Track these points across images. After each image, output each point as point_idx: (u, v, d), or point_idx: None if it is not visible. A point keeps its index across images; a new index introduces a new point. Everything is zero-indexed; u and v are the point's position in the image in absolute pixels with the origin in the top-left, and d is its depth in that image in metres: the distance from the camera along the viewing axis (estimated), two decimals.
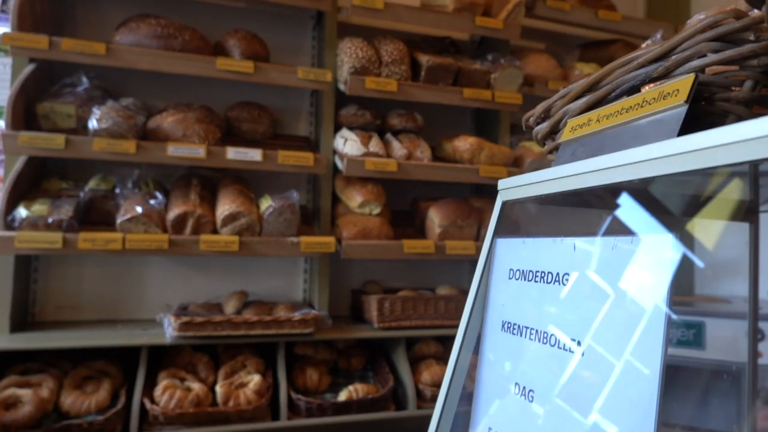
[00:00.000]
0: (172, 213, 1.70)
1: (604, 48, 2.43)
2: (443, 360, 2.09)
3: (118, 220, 1.64)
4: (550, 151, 0.67)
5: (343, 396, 1.83)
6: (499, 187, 0.66)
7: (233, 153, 1.73)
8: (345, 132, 1.99)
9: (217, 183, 1.94)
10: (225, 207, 1.72)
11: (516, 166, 2.11)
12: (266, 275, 2.15)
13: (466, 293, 2.20)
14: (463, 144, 2.03)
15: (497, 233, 0.63)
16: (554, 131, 0.65)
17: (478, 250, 2.01)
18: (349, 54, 1.90)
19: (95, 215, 1.76)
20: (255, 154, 1.75)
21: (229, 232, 1.73)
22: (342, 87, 1.96)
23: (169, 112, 1.78)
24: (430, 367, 2.00)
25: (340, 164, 1.94)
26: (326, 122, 2.02)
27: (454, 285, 2.33)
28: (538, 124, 0.70)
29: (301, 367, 1.94)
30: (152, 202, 1.70)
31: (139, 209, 1.64)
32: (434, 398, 1.91)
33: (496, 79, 2.05)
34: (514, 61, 2.10)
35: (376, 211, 1.94)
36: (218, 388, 1.70)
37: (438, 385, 1.95)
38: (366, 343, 2.09)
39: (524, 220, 0.64)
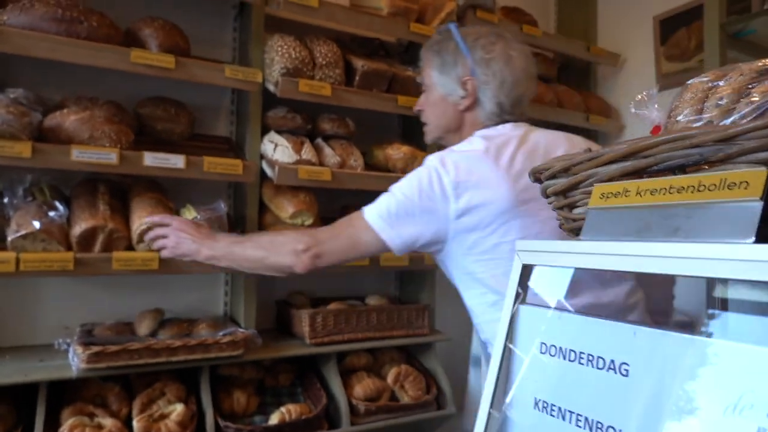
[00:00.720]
0: (78, 228, 1.47)
1: None
2: (374, 372, 2.07)
3: (10, 237, 1.39)
4: (561, 207, 0.65)
5: (275, 419, 1.73)
6: (517, 248, 0.62)
7: (151, 159, 1.54)
8: (274, 136, 1.86)
9: (128, 190, 1.72)
10: (142, 220, 1.52)
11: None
12: (182, 289, 1.97)
13: (395, 302, 2.18)
14: (397, 153, 1.99)
15: (519, 299, 0.60)
16: (570, 189, 0.63)
17: (412, 260, 2.00)
18: (281, 53, 1.77)
19: None
20: (177, 161, 1.57)
21: (146, 248, 1.54)
22: (272, 88, 1.82)
23: (71, 109, 1.53)
24: (362, 380, 1.96)
25: (269, 171, 1.81)
26: (252, 124, 1.87)
27: (382, 293, 2.31)
28: (550, 178, 0.68)
29: (227, 389, 1.80)
30: (52, 214, 1.46)
31: (36, 224, 1.40)
32: (368, 413, 1.88)
33: None
34: None
35: (308, 222, 1.85)
36: (135, 423, 1.52)
37: (371, 400, 1.92)
38: (294, 358, 2.00)
39: (548, 285, 0.61)
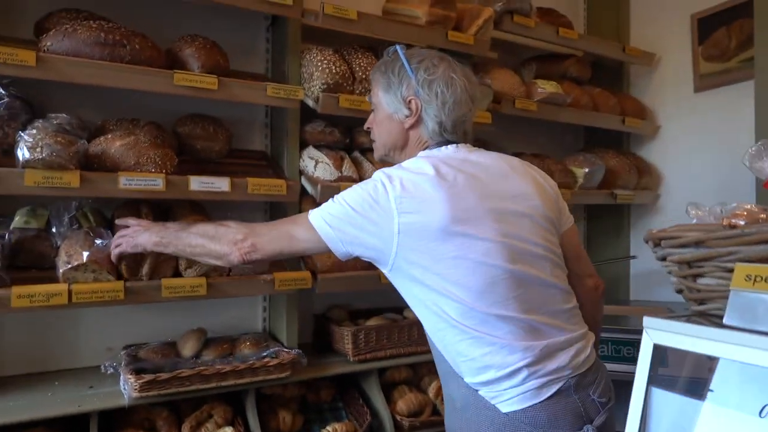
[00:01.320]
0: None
1: (559, 63, 2.46)
2: (415, 386, 2.05)
3: (61, 269, 1.37)
4: (684, 276, 0.62)
5: None
6: (645, 325, 0.60)
7: (197, 183, 1.51)
8: (313, 152, 1.83)
9: (170, 211, 1.70)
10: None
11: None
12: (222, 306, 1.95)
13: None
14: None
15: (652, 381, 0.58)
16: (700, 261, 0.60)
17: None
18: (321, 68, 1.73)
19: (24, 259, 1.46)
20: (222, 184, 1.55)
21: (195, 273, 1.52)
22: (311, 104, 1.78)
23: (115, 134, 1.50)
24: (404, 395, 1.95)
25: (310, 189, 1.78)
26: (291, 140, 1.83)
27: None
28: (672, 245, 0.65)
29: (272, 408, 1.80)
30: (99, 242, 1.44)
31: (85, 254, 1.38)
32: (412, 428, 1.87)
33: None
34: (485, 79, 2.05)
35: None
36: None
37: (414, 415, 1.91)
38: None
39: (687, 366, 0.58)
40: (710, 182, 2.43)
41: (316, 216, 1.23)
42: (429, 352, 2.02)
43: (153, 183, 1.45)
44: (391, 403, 1.93)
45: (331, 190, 1.72)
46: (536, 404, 1.15)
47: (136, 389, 1.44)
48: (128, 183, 1.42)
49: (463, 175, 1.19)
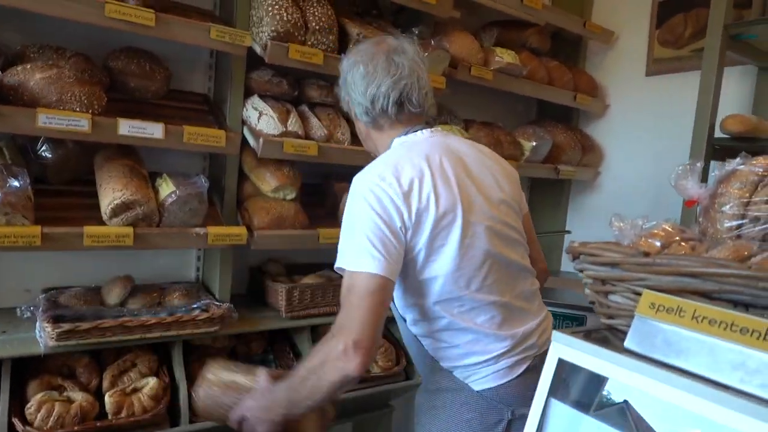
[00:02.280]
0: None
1: (521, 31, 2.42)
2: None
3: None
4: (597, 291, 0.63)
5: None
6: (553, 338, 0.61)
7: (127, 127, 1.41)
8: (258, 102, 1.74)
9: (96, 151, 1.59)
10: (116, 193, 1.42)
11: None
12: (152, 254, 1.89)
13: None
14: None
15: (553, 392, 0.60)
16: (610, 280, 0.61)
17: None
18: (271, 14, 1.62)
19: None
20: (155, 130, 1.46)
21: (121, 223, 1.45)
22: (259, 51, 1.68)
23: (36, 65, 1.37)
24: None
25: (252, 141, 1.71)
26: (235, 87, 1.74)
27: None
28: (590, 261, 0.66)
29: (199, 359, 1.79)
30: (14, 182, 1.34)
31: None
32: None
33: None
34: (442, 42, 2.00)
35: (291, 196, 1.78)
36: (107, 398, 1.49)
37: None
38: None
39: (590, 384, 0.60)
40: (648, 167, 2.52)
41: (352, 264, 1.10)
42: None
43: (77, 123, 1.34)
44: None
45: (273, 145, 1.66)
46: (508, 382, 1.20)
47: (52, 338, 1.39)
48: (48, 121, 1.31)
49: (448, 160, 1.19)
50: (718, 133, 1.94)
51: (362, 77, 1.23)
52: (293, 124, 1.72)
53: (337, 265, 1.14)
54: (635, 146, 2.59)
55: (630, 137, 2.63)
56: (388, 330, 2.23)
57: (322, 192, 2.09)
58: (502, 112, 2.69)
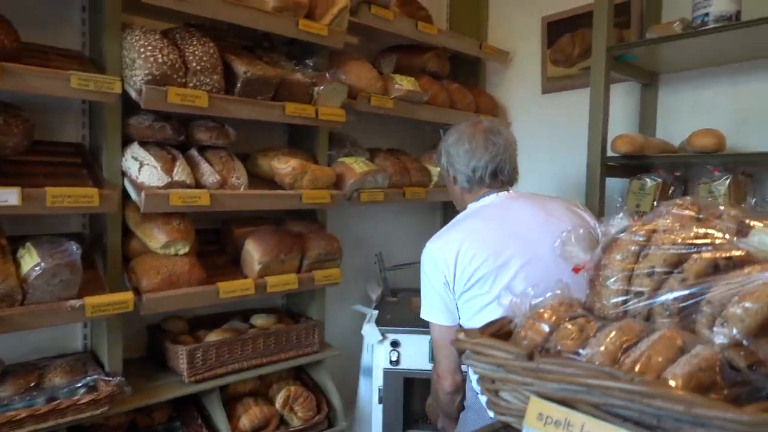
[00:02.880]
0: None
1: (419, 55, 2.42)
2: (261, 395, 1.96)
3: None
4: (488, 389, 0.57)
5: None
6: None
7: None
8: (138, 151, 1.58)
9: None
10: None
11: (337, 187, 1.99)
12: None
13: (282, 316, 2.06)
14: (284, 167, 1.81)
15: None
16: (498, 380, 0.55)
17: (300, 282, 1.88)
18: (144, 56, 1.48)
19: None
20: (9, 196, 1.27)
21: None
22: (134, 95, 1.53)
23: None
24: (248, 409, 1.84)
25: (133, 194, 1.55)
26: (110, 135, 1.57)
27: (267, 306, 2.17)
28: (476, 359, 0.59)
29: None
30: None
31: None
32: None
33: (319, 93, 1.86)
34: (338, 74, 1.93)
35: (183, 251, 1.63)
36: None
37: (258, 430, 1.82)
38: None
39: None
40: (552, 182, 2.59)
41: (427, 314, 1.51)
42: (278, 362, 1.94)
43: None
44: (234, 418, 1.81)
45: (158, 198, 1.51)
46: None
47: None
48: None
49: (498, 218, 1.48)
50: (610, 151, 2.01)
51: (466, 152, 1.55)
52: (180, 172, 1.58)
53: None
54: (538, 163, 2.66)
55: (532, 154, 2.69)
56: (307, 375, 2.12)
57: (219, 238, 1.95)
58: (407, 137, 2.67)
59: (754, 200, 1.66)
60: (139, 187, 1.53)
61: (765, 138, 1.94)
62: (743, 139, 1.98)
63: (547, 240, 1.41)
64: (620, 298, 0.63)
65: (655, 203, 1.88)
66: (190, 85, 1.57)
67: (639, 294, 0.61)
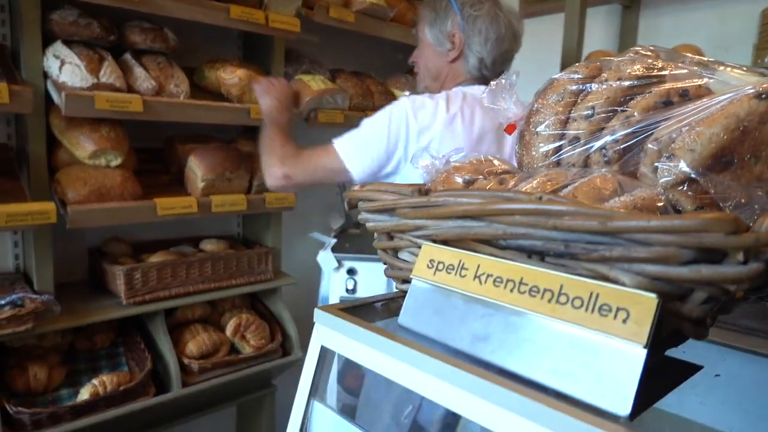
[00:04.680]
0: None
1: None
2: (212, 323, 1.88)
3: None
4: (384, 249, 0.47)
5: (85, 394, 1.49)
6: (315, 319, 0.45)
7: None
8: (61, 49, 1.42)
9: None
10: None
11: (293, 104, 1.85)
12: None
13: (236, 247, 1.96)
14: (231, 77, 1.67)
15: (315, 393, 0.43)
16: (396, 232, 0.45)
17: (250, 204, 1.76)
18: None
19: None
20: None
21: None
22: None
23: None
24: (196, 335, 1.76)
25: (54, 95, 1.40)
26: (28, 30, 1.40)
27: (221, 234, 2.07)
28: (369, 209, 0.49)
29: (20, 363, 1.50)
30: None
31: None
32: (202, 371, 1.71)
33: None
34: None
35: (116, 162, 1.50)
36: None
37: (206, 356, 1.75)
38: None
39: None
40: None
41: (340, 143, 1.36)
42: (227, 288, 1.85)
43: None
44: (181, 344, 1.74)
45: (80, 100, 1.36)
46: None
47: None
48: None
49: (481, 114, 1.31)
50: None
51: (497, 39, 1.37)
52: (108, 74, 1.42)
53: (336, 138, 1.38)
54: None
55: None
56: (262, 304, 2.05)
57: (163, 158, 1.82)
58: (373, 60, 2.51)
59: None
60: (60, 87, 1.37)
61: (746, 63, 1.84)
62: None
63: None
64: (551, 145, 0.52)
65: None
66: None
67: (575, 140, 0.51)
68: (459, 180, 0.51)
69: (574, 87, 0.54)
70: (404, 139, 1.29)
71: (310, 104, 1.87)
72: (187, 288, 1.72)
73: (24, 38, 1.40)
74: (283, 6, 1.74)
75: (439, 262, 0.39)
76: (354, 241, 2.12)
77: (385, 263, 0.54)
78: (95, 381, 1.52)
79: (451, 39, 1.40)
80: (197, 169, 1.62)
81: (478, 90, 1.37)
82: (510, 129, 0.61)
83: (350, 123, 2.02)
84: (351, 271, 1.91)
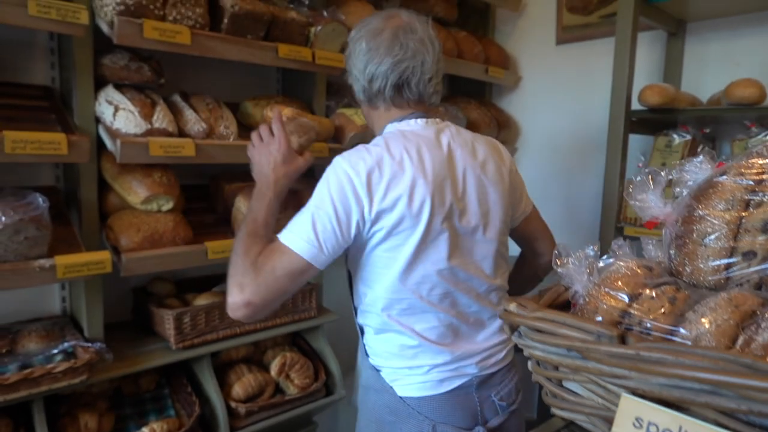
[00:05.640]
0: None
1: (426, 0, 2.21)
2: (255, 362, 1.85)
3: None
4: (548, 378, 0.43)
5: None
6: None
7: None
8: (114, 94, 1.41)
9: None
10: None
11: (336, 140, 1.83)
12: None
13: None
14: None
15: None
16: (565, 368, 0.41)
17: None
18: None
19: None
20: None
21: None
22: (106, 29, 1.34)
23: None
24: (241, 376, 1.73)
25: (109, 143, 1.38)
26: (81, 75, 1.39)
27: None
28: (535, 339, 0.45)
29: (71, 412, 1.48)
30: None
31: None
32: (249, 414, 1.67)
33: (317, 35, 1.67)
34: (337, 13, 1.74)
35: (168, 206, 1.48)
36: None
37: (252, 399, 1.71)
38: None
39: None
40: (565, 140, 2.43)
41: (288, 237, 1.11)
42: (271, 327, 1.82)
43: None
44: (226, 386, 1.70)
45: (136, 147, 1.34)
46: (433, 395, 1.17)
47: None
48: None
49: (430, 155, 1.13)
50: (634, 104, 1.85)
51: (364, 53, 1.17)
52: (160, 118, 1.41)
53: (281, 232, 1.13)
54: (551, 120, 2.49)
55: (545, 110, 2.53)
56: (304, 341, 2.01)
57: (209, 195, 1.79)
58: None
59: None
60: (114, 134, 1.36)
61: None
62: None
63: (477, 202, 1.15)
64: (723, 261, 0.48)
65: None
66: (170, 18, 1.39)
67: (749, 255, 0.46)
68: (623, 297, 0.47)
69: (743, 194, 0.49)
70: (357, 208, 1.09)
71: (354, 139, 1.84)
72: (234, 330, 1.69)
73: (76, 83, 1.39)
74: (329, 42, 1.72)
75: (650, 423, 0.35)
76: None
77: (546, 392, 0.49)
78: (145, 429, 1.49)
79: (352, 79, 1.27)
80: (246, 209, 1.59)
81: (414, 124, 1.19)
82: (650, 225, 0.57)
83: None
84: None
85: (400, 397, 1.18)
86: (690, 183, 0.56)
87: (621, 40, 1.78)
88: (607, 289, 0.48)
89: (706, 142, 1.81)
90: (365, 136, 1.87)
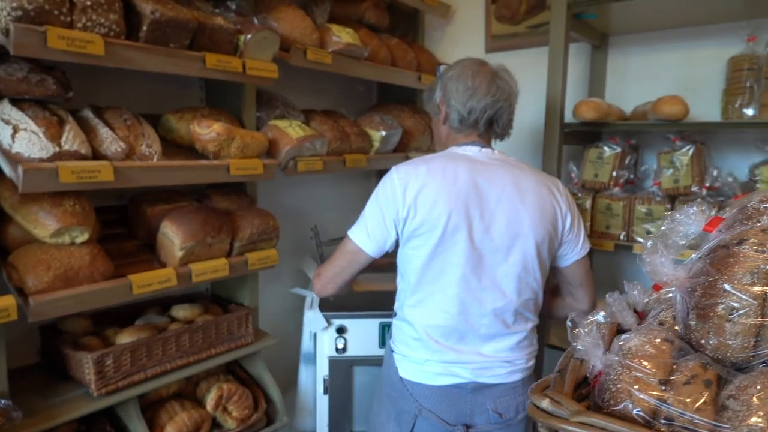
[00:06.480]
0: None
1: (356, 4, 2.14)
2: (189, 398, 1.70)
3: None
4: None
5: None
6: None
7: None
8: (10, 111, 1.21)
9: None
10: None
11: (269, 155, 1.72)
12: None
13: (209, 308, 1.78)
14: (207, 132, 1.51)
15: None
16: None
17: (232, 268, 1.61)
18: None
19: None
20: None
21: None
22: (1, 39, 1.15)
23: None
24: (173, 416, 1.58)
25: (6, 168, 1.19)
26: None
27: (186, 291, 1.88)
28: None
29: None
30: None
31: None
32: None
33: (247, 43, 1.55)
34: (267, 20, 1.62)
35: (82, 239, 1.30)
36: None
37: None
38: None
39: None
40: (498, 145, 2.46)
41: (353, 231, 1.43)
42: (207, 359, 1.67)
43: None
44: (157, 428, 1.55)
45: (42, 174, 1.17)
46: (427, 385, 1.34)
47: None
48: None
49: (467, 174, 1.33)
50: (567, 116, 1.89)
51: (465, 89, 1.40)
52: (70, 139, 1.23)
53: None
54: None
55: None
56: (241, 368, 1.88)
57: (128, 219, 1.62)
58: (341, 97, 2.41)
59: (715, 172, 1.61)
60: (14, 158, 1.17)
61: (712, 107, 1.90)
62: (691, 108, 1.94)
63: (506, 224, 1.31)
64: (751, 340, 0.46)
65: (614, 173, 1.79)
66: (79, 25, 1.21)
67: None
68: (652, 381, 0.44)
69: (765, 266, 0.47)
70: (393, 209, 1.35)
71: (290, 153, 1.74)
72: (164, 366, 1.54)
73: None
74: (260, 51, 1.60)
75: None
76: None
77: None
78: None
79: (440, 106, 1.50)
80: (174, 237, 1.45)
81: (470, 150, 1.42)
82: (657, 288, 0.55)
83: (330, 169, 1.91)
84: (340, 330, 1.80)
85: (400, 377, 1.38)
86: (682, 234, 0.54)
87: (554, 56, 1.81)
88: (637, 374, 0.45)
89: (631, 153, 1.89)
90: (301, 149, 1.78)
